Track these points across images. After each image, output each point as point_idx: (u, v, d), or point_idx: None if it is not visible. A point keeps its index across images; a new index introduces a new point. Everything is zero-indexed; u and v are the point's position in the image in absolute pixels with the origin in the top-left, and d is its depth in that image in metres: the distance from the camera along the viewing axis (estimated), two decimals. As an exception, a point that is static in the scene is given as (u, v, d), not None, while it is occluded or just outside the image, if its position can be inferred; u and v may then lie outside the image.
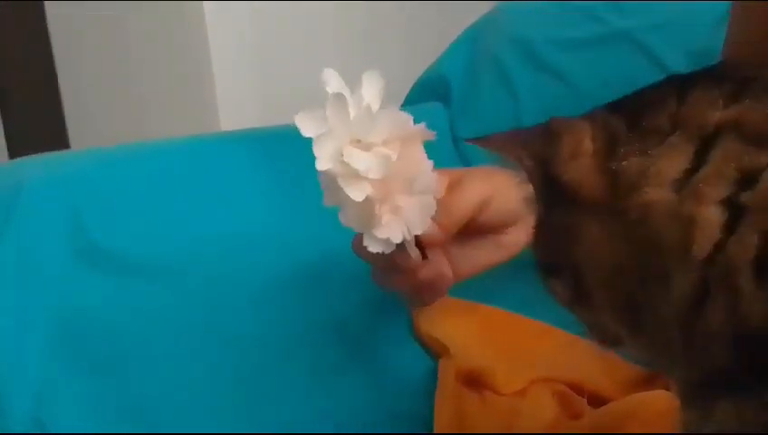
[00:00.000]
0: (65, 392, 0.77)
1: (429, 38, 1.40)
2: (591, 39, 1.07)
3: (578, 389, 0.79)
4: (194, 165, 0.92)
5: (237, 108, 1.68)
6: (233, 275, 0.84)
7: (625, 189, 0.43)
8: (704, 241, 0.39)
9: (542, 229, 0.49)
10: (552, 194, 0.47)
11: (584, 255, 0.45)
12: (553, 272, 0.48)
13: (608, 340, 0.49)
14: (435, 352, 0.83)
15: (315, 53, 1.73)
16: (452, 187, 0.74)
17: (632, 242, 0.42)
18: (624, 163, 0.43)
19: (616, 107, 0.47)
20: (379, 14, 1.76)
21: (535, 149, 0.48)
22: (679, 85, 0.45)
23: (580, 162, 0.46)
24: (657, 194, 0.41)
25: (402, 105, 1.28)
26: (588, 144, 0.46)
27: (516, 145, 0.50)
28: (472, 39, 1.21)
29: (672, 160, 0.41)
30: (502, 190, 0.74)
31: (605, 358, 0.76)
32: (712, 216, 0.39)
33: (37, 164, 0.90)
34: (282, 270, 0.86)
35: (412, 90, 1.27)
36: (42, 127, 1.96)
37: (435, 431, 0.74)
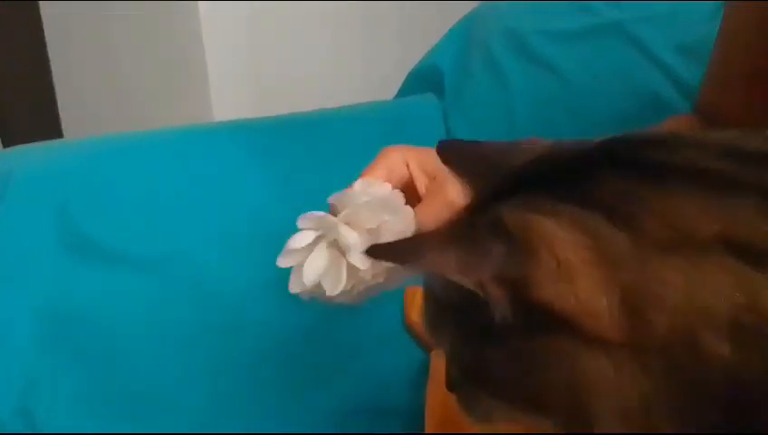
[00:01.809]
0: (53, 382, 0.77)
1: (423, 30, 1.39)
2: (583, 31, 1.07)
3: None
4: (186, 156, 0.91)
5: (231, 100, 1.68)
6: (224, 267, 0.84)
7: (636, 316, 0.38)
8: (718, 372, 0.37)
9: (512, 360, 0.41)
10: (534, 322, 0.39)
11: (597, 391, 0.39)
12: (539, 410, 0.41)
13: None
14: (427, 344, 0.83)
15: (310, 44, 1.73)
16: (430, 193, 0.74)
17: (654, 376, 0.38)
18: (628, 281, 0.38)
19: (586, 201, 0.40)
20: (374, 6, 1.75)
21: (504, 272, 0.39)
22: (642, 176, 0.41)
23: (578, 285, 0.38)
24: (669, 322, 0.37)
25: (396, 96, 1.28)
26: (574, 258, 0.38)
27: (476, 269, 0.40)
28: (465, 30, 1.21)
29: (672, 278, 0.37)
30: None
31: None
32: (722, 348, 0.37)
33: (27, 155, 0.89)
34: (273, 263, 0.85)
35: (406, 81, 1.27)
36: (36, 124, 1.96)
37: (426, 423, 0.74)
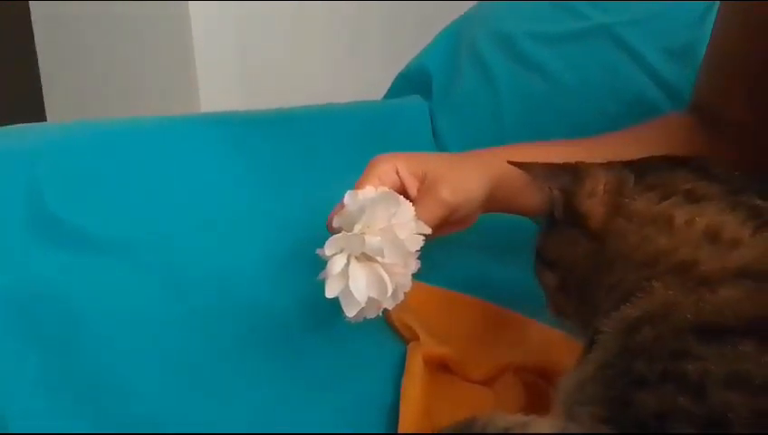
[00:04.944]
0: (17, 369, 0.72)
1: (415, 32, 1.40)
2: (571, 34, 1.08)
3: (545, 374, 0.79)
4: (164, 144, 0.90)
5: (220, 102, 1.68)
6: (194, 254, 0.82)
7: (610, 217, 0.64)
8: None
9: (554, 238, 0.69)
10: (570, 217, 0.67)
11: (572, 263, 0.67)
12: (551, 266, 0.70)
13: (562, 313, 0.71)
14: (405, 338, 0.83)
15: (300, 47, 1.73)
16: (422, 194, 0.75)
17: (592, 258, 0.65)
18: (626, 201, 0.64)
19: (628, 164, 0.68)
20: (364, 7, 1.76)
21: (563, 184, 0.68)
22: (671, 164, 0.67)
23: (594, 200, 0.65)
24: (622, 225, 0.63)
25: (384, 97, 1.28)
26: (600, 188, 0.66)
27: (549, 178, 0.69)
28: (455, 33, 1.22)
29: (642, 202, 0.64)
30: (466, 187, 0.76)
31: (569, 346, 0.77)
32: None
33: None
34: (244, 251, 0.84)
35: (394, 82, 1.27)
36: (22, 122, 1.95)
37: (400, 416, 0.73)
